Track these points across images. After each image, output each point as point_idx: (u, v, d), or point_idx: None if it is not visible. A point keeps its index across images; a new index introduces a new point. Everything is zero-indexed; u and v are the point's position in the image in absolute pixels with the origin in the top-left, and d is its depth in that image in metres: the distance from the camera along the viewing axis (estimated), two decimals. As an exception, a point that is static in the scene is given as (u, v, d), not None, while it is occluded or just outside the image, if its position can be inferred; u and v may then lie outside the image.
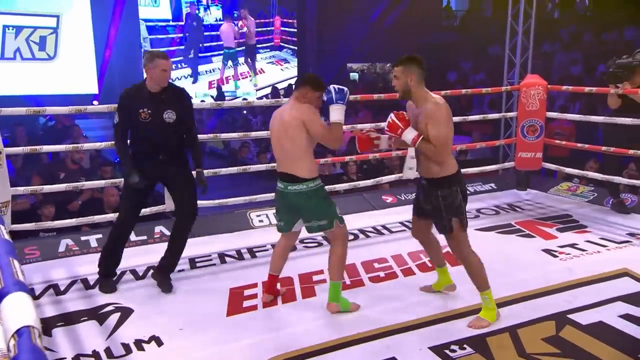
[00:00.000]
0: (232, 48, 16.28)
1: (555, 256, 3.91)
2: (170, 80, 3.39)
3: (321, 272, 3.73)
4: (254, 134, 5.33)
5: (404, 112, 3.01)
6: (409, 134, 2.91)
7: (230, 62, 16.21)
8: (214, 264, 3.97)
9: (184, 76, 15.81)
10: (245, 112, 12.86)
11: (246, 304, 3.32)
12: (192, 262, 3.97)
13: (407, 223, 4.74)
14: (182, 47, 15.55)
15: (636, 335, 2.83)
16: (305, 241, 4.33)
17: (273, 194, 4.62)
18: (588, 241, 4.18)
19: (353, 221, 4.77)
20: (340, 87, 3.04)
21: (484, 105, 11.91)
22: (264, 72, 17.25)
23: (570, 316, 3.03)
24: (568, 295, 3.28)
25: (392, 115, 2.98)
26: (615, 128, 4.78)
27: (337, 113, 3.01)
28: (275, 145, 3.11)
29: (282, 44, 17.76)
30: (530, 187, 5.69)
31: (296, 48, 17.71)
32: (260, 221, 4.75)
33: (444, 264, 3.35)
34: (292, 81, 17.21)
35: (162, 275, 3.53)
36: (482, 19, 16.81)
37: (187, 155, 3.55)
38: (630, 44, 11.20)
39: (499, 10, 10.51)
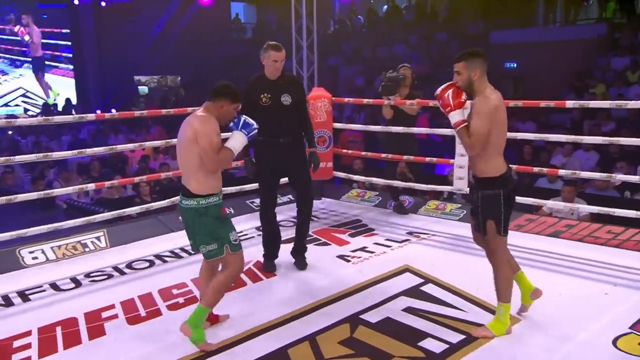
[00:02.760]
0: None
1: (348, 261, 4.12)
2: None
3: (112, 307, 3.41)
4: (20, 157, 4.51)
5: (462, 92, 2.82)
6: (456, 116, 2.80)
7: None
8: (-28, 317, 3.34)
9: None
10: (11, 132, 11.30)
11: (16, 357, 2.86)
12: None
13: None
14: None
15: (415, 325, 3.09)
16: (92, 275, 3.91)
17: (48, 226, 4.13)
18: (376, 243, 4.49)
19: (148, 247, 4.51)
20: (251, 121, 2.97)
21: (278, 117, 12.26)
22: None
23: (362, 316, 3.20)
24: (359, 297, 3.47)
25: (450, 90, 2.81)
26: (391, 136, 5.27)
27: (235, 140, 2.93)
28: (177, 156, 2.97)
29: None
30: (325, 195, 5.97)
31: (73, 60, 16.04)
32: (35, 258, 4.13)
33: (518, 268, 3.10)
34: (17, 93, 15.43)
35: (299, 256, 4.02)
36: (272, 32, 17.39)
37: (303, 138, 3.95)
38: (400, 58, 12.65)
39: (284, 25, 10.93)
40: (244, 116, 2.99)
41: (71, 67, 16.18)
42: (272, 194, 4.02)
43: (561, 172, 4.93)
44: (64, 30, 16.03)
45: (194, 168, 2.84)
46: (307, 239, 4.14)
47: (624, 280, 3.59)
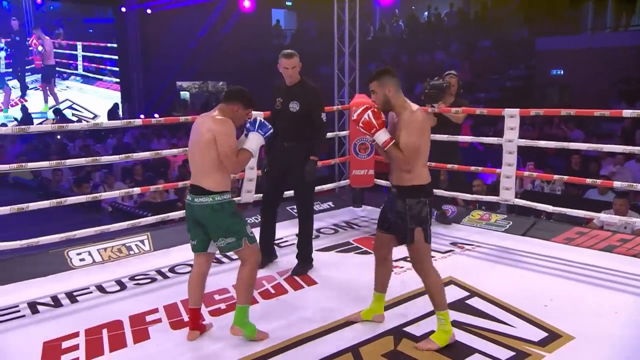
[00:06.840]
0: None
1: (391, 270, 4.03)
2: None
3: (156, 310, 3.44)
4: (71, 161, 4.64)
5: (381, 112, 2.92)
6: (382, 136, 2.88)
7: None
8: (23, 316, 3.42)
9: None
10: (59, 136, 11.68)
11: (65, 358, 2.90)
12: (-7, 317, 3.37)
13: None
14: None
15: (461, 339, 3.00)
16: (136, 278, 3.97)
17: (95, 229, 4.22)
18: (418, 252, 4.39)
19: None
20: (266, 122, 3.05)
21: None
22: (26, 100, 15.10)
23: (405, 329, 3.13)
24: (403, 309, 3.40)
25: (369, 112, 2.90)
26: (434, 145, 5.12)
27: (252, 141, 3.01)
28: (190, 155, 3.03)
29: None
30: (365, 203, 5.91)
31: (118, 68, 16.52)
32: (82, 260, 4.21)
33: (385, 291, 3.25)
34: (65, 105, 15.57)
35: (303, 263, 4.04)
36: (312, 39, 17.47)
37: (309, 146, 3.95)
38: (441, 65, 12.48)
39: (325, 31, 10.94)
40: (259, 117, 3.05)
41: (115, 80, 16.62)
42: (274, 192, 4.16)
43: (616, 184, 4.69)
44: (109, 45, 16.48)
45: (210, 167, 2.91)
46: (347, 247, 4.07)
47: (684, 299, 3.41)
